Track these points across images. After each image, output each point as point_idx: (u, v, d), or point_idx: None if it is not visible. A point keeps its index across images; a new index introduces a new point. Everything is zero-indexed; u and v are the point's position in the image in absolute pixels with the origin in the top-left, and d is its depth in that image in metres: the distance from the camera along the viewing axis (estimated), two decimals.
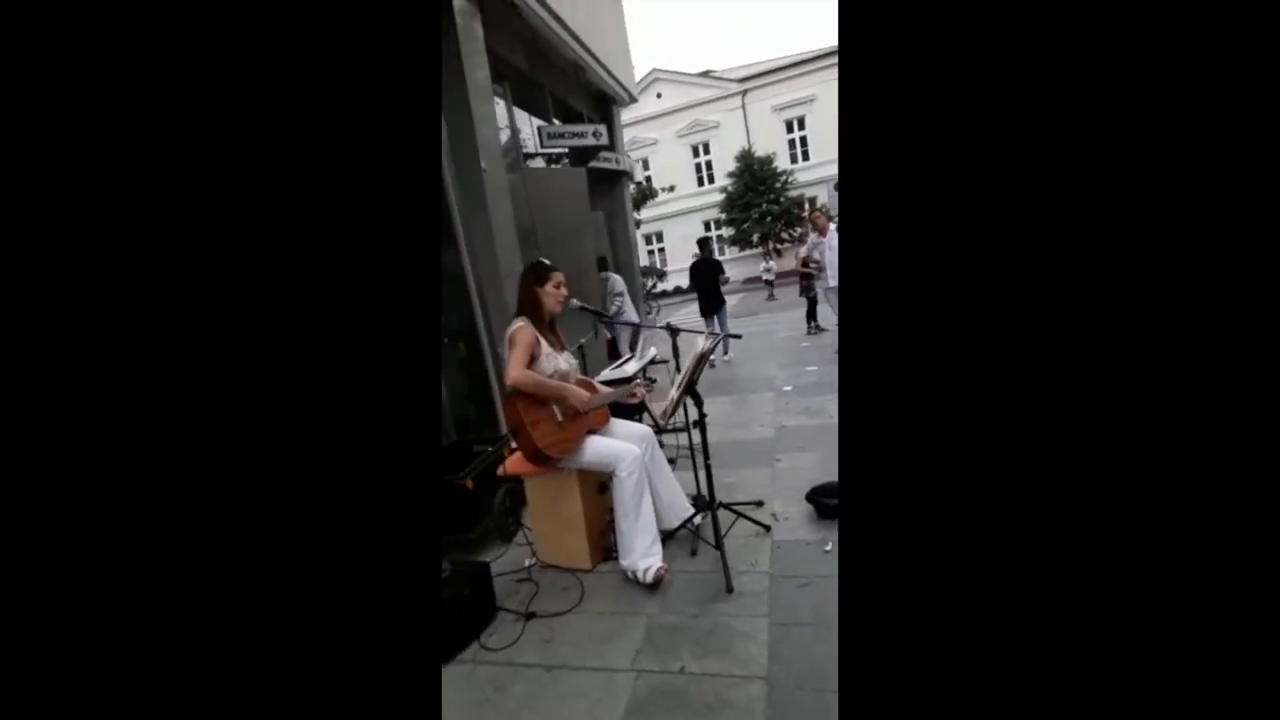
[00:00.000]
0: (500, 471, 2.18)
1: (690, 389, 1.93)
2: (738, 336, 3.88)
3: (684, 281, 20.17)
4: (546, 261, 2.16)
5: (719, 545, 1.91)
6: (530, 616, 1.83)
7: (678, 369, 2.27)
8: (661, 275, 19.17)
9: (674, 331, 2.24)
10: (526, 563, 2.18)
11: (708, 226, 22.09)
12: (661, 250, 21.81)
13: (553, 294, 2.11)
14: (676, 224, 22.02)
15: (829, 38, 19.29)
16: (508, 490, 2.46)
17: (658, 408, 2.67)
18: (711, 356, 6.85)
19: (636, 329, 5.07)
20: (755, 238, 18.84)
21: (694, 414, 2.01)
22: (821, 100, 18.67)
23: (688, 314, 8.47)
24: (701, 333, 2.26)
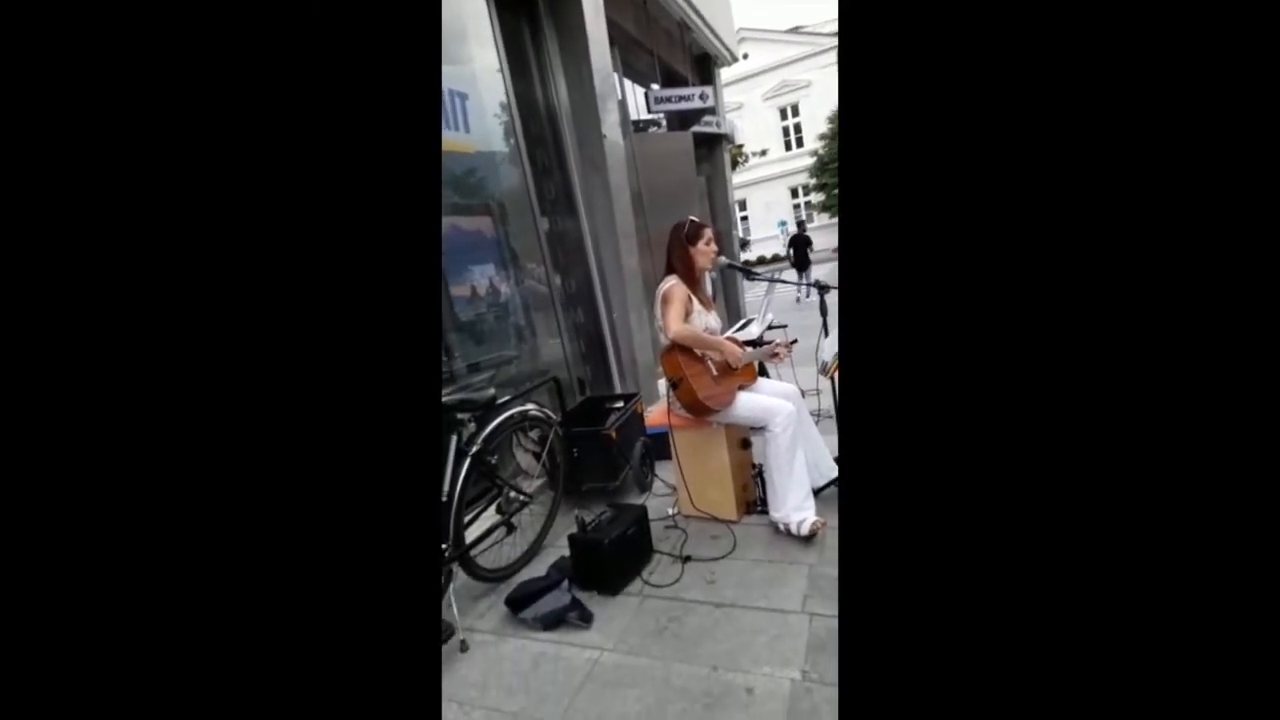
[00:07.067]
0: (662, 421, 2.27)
1: None
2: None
3: (767, 251, 19.61)
4: (696, 219, 2.18)
5: None
6: (687, 559, 1.93)
7: (824, 327, 2.24)
8: (745, 245, 18.71)
9: (823, 289, 2.21)
10: (669, 511, 2.28)
11: (795, 193, 21.21)
12: (744, 219, 21.18)
13: (705, 251, 2.13)
14: (761, 190, 21.28)
15: None
16: (644, 443, 2.57)
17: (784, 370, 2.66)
18: (798, 295, 7.38)
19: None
20: None
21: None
22: None
23: (790, 274, 10.06)
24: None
